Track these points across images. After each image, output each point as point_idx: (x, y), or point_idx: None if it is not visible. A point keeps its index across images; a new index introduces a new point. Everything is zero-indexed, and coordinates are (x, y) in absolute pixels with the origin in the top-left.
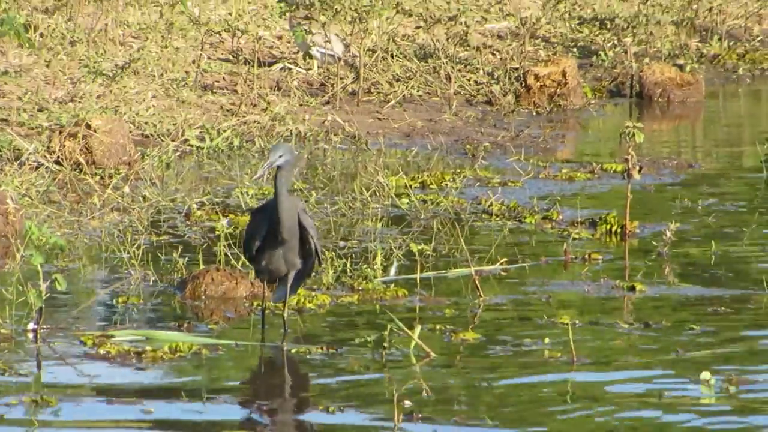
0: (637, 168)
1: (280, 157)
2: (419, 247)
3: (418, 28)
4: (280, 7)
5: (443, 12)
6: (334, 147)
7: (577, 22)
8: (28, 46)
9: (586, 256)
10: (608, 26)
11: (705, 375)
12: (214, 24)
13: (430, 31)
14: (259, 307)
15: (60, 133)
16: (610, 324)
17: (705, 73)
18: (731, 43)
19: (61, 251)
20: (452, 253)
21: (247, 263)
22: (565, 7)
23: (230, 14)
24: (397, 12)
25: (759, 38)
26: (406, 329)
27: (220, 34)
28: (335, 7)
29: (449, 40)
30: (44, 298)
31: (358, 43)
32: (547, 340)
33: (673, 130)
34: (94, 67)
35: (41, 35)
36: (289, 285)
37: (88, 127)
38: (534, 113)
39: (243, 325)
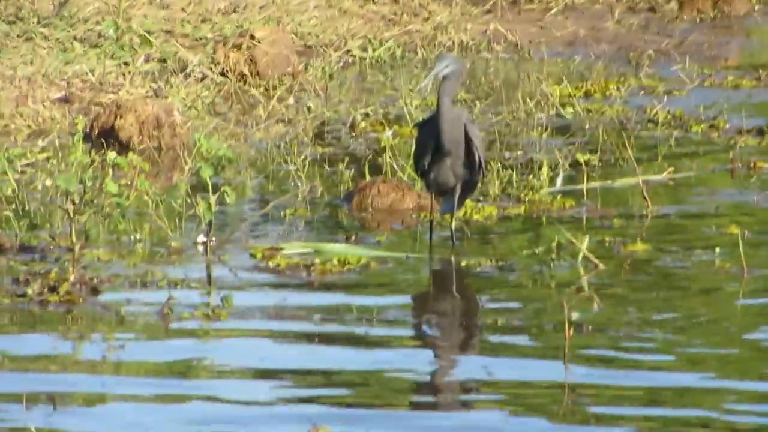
0: None
1: (446, 67)
2: (585, 157)
3: None
4: None
5: None
6: (497, 56)
7: None
8: None
9: (752, 165)
10: None
11: None
12: None
13: None
14: (427, 219)
15: (224, 44)
16: None
17: None
18: None
19: (229, 163)
20: (618, 163)
21: (416, 176)
22: None
23: None
24: None
25: None
26: (574, 240)
27: None
28: None
29: None
30: (214, 210)
31: None
32: (717, 250)
33: None
34: None
35: None
36: (456, 197)
37: (252, 38)
38: (698, 20)
39: (410, 237)
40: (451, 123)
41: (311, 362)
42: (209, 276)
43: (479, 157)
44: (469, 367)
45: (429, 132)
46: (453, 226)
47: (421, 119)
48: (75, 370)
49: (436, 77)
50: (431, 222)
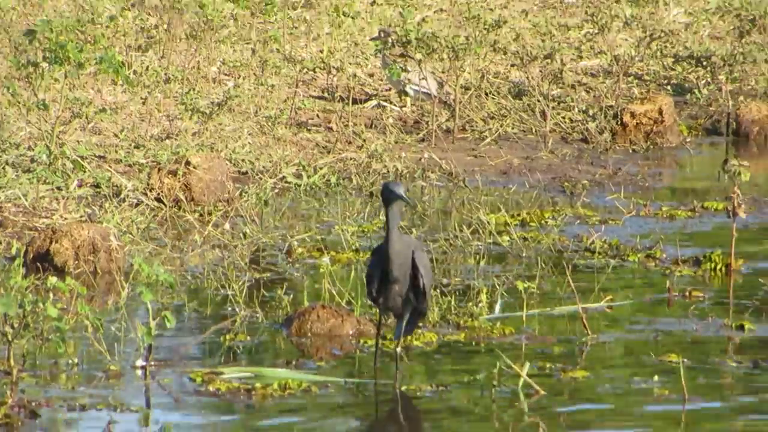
0: (742, 207)
1: (406, 192)
2: (525, 285)
3: (513, 65)
4: (376, 45)
5: (539, 50)
6: (432, 184)
7: (672, 60)
8: (127, 84)
9: (687, 294)
10: (704, 64)
11: None
12: (308, 62)
13: (524, 68)
14: (366, 344)
15: (159, 170)
16: (719, 363)
17: None
18: None
19: (170, 288)
20: (556, 291)
21: (366, 300)
22: (657, 45)
23: (321, 52)
24: (494, 50)
25: None
26: (514, 366)
27: (315, 71)
28: (432, 44)
29: (544, 77)
30: (153, 335)
31: (453, 80)
32: (656, 378)
33: None
34: (191, 105)
35: (135, 72)
36: (404, 322)
37: (188, 164)
38: (630, 151)
39: (350, 363)
40: (398, 252)
41: None
42: (148, 400)
43: (423, 284)
44: None
45: (380, 257)
46: (398, 351)
47: (375, 246)
48: None
49: (401, 199)
50: (376, 346)
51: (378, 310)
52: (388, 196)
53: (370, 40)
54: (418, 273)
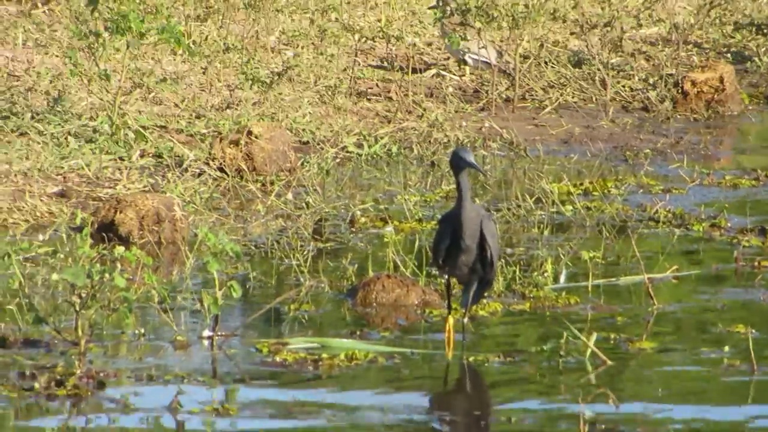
0: None
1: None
2: (590, 255)
3: (572, 33)
4: (435, 14)
5: (599, 18)
6: (493, 153)
7: (732, 27)
8: (188, 54)
9: (756, 264)
10: (765, 31)
11: None
12: (366, 30)
13: (584, 36)
14: (431, 315)
15: (221, 140)
16: None
17: None
18: None
19: (236, 258)
20: (621, 260)
21: (433, 268)
22: (716, 13)
23: (379, 21)
24: (553, 18)
25: None
26: (582, 337)
27: (374, 40)
28: (491, 13)
29: (603, 46)
30: (220, 305)
31: (513, 49)
32: (726, 348)
33: None
34: (251, 74)
35: (194, 42)
36: (471, 292)
37: (250, 134)
38: (691, 119)
39: (415, 333)
40: (470, 219)
41: None
42: (215, 370)
43: (491, 254)
44: None
45: (448, 226)
46: (465, 321)
47: (444, 213)
48: None
49: (472, 167)
50: (448, 313)
51: (444, 279)
52: (458, 163)
53: (429, 8)
54: (485, 243)
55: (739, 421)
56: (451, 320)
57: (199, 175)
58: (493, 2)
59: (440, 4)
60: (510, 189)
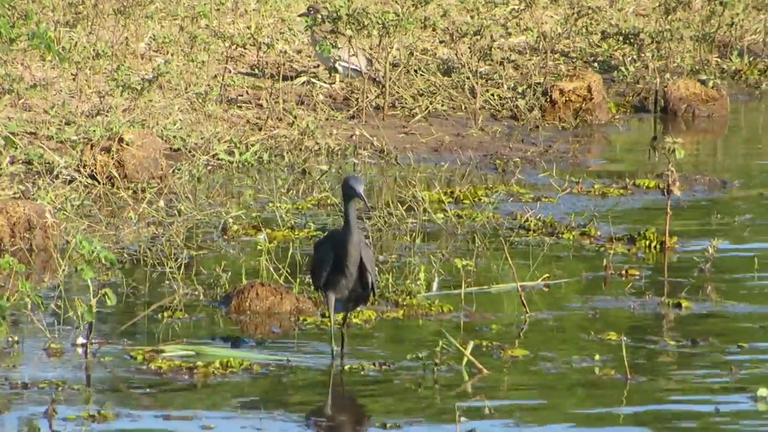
0: (676, 184)
1: (364, 189)
2: (463, 263)
3: (442, 42)
4: (305, 21)
5: (469, 26)
6: (364, 161)
7: (599, 37)
8: (59, 60)
9: (624, 272)
10: (632, 41)
11: (762, 391)
12: (237, 38)
13: (454, 45)
14: (304, 323)
15: (92, 146)
16: (657, 341)
17: (727, 89)
18: (751, 59)
19: (111, 266)
20: (493, 269)
21: (313, 289)
22: (583, 22)
23: (248, 28)
24: (424, 26)
25: None
26: (459, 345)
27: (245, 47)
28: (362, 21)
29: (473, 54)
30: (94, 312)
31: (383, 57)
32: (597, 356)
33: (701, 145)
34: (121, 81)
35: (63, 48)
36: (350, 305)
37: (121, 140)
38: (560, 128)
39: (289, 340)
40: (355, 248)
41: None
42: (89, 378)
43: (371, 279)
44: None
45: (329, 251)
46: (344, 332)
47: (320, 238)
48: None
49: (360, 198)
50: (331, 330)
51: (324, 296)
52: (348, 192)
53: (299, 16)
54: (365, 270)
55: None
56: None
57: (70, 182)
58: (364, 10)
59: (311, 12)
60: (381, 197)
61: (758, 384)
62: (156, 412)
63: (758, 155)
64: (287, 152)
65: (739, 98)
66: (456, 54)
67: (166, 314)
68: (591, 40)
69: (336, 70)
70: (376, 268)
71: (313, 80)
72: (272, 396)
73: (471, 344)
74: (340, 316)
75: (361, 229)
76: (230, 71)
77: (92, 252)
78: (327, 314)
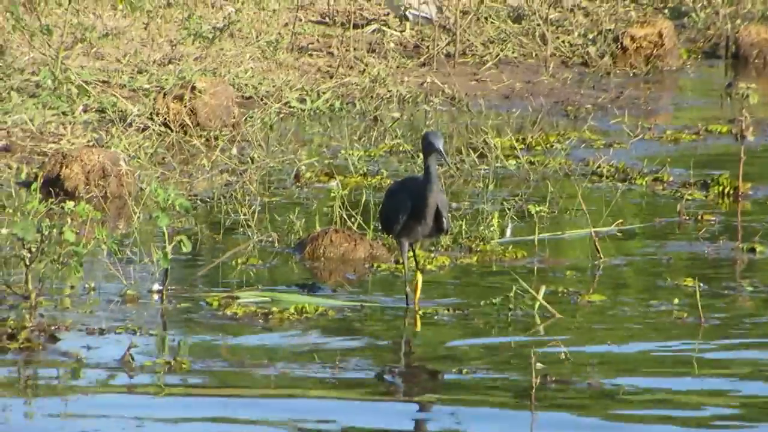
0: (750, 129)
1: (443, 143)
2: (537, 209)
3: None
4: None
5: None
6: (435, 108)
7: None
8: (131, 9)
9: (699, 217)
10: None
11: None
12: None
13: None
14: (378, 269)
15: (164, 95)
16: (733, 286)
17: None
18: None
19: (186, 213)
20: (566, 215)
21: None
22: None
23: None
24: None
25: None
26: (532, 291)
27: None
28: None
29: (543, 1)
30: (170, 259)
31: (453, 5)
32: (676, 300)
33: None
34: (193, 30)
35: None
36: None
37: (193, 89)
38: (631, 74)
39: (364, 287)
40: (434, 200)
41: (274, 412)
42: (165, 324)
43: (446, 224)
44: (437, 416)
45: (405, 199)
46: (419, 277)
47: (392, 185)
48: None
49: (439, 154)
50: (405, 277)
51: (399, 243)
52: (427, 147)
53: None
54: (442, 217)
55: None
56: (420, 277)
57: (143, 130)
58: None
59: None
60: (453, 144)
61: None
62: (231, 360)
63: None
64: (358, 100)
65: None
66: (526, 1)
67: (240, 261)
68: None
69: (406, 18)
70: (449, 214)
71: (384, 28)
72: (348, 342)
73: (543, 289)
74: (412, 263)
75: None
76: (300, 19)
77: (167, 199)
78: (401, 260)
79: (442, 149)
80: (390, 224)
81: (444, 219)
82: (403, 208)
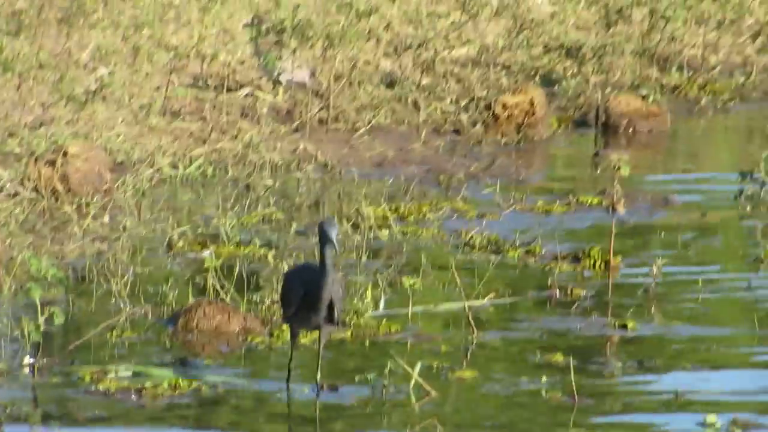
0: (622, 201)
1: (338, 233)
2: (411, 281)
3: (385, 54)
4: (250, 32)
5: (413, 38)
6: (308, 176)
7: (542, 50)
8: (2, 70)
9: (569, 291)
10: (575, 55)
11: (711, 418)
12: (181, 48)
13: (397, 57)
14: (252, 342)
15: (36, 160)
16: (604, 362)
17: (667, 104)
18: (690, 74)
19: (60, 284)
20: (438, 287)
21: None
22: (525, 35)
23: (191, 38)
24: (368, 38)
25: (717, 68)
26: (407, 367)
27: (188, 58)
28: (307, 32)
29: (416, 66)
30: (41, 331)
31: (327, 70)
32: (544, 379)
33: (642, 161)
34: (66, 92)
35: (6, 58)
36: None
37: (65, 153)
38: (502, 143)
39: (237, 360)
40: (328, 291)
41: None
42: (36, 399)
43: (337, 316)
44: None
45: (299, 288)
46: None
47: (290, 269)
48: None
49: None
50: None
51: (290, 326)
52: (323, 238)
53: (243, 26)
54: (334, 307)
55: None
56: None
57: (14, 196)
58: (309, 22)
59: (255, 22)
60: (326, 212)
61: (705, 408)
62: None
63: (699, 170)
64: (231, 166)
65: (679, 114)
66: (399, 66)
67: (114, 333)
68: (532, 54)
69: (279, 83)
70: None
71: (257, 92)
72: (222, 419)
73: (419, 365)
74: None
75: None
76: (173, 83)
77: (41, 269)
78: (290, 345)
79: (335, 240)
80: (283, 308)
81: (336, 312)
82: (295, 297)
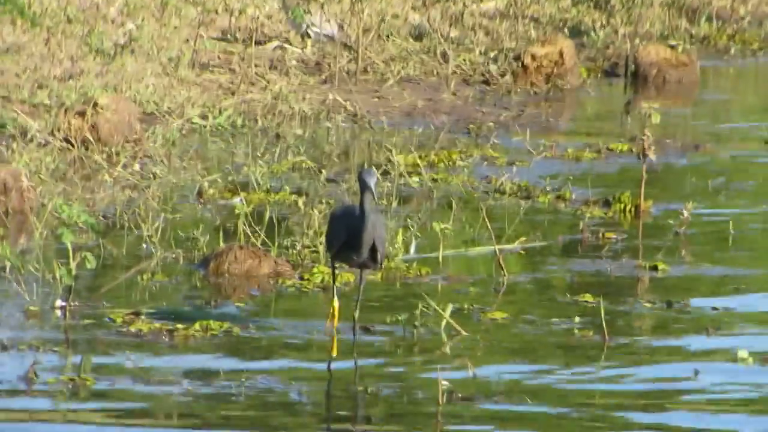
0: (652, 148)
1: (376, 181)
2: (441, 226)
3: (413, 8)
4: None
5: None
6: (337, 125)
7: (571, 2)
8: (31, 24)
9: (601, 235)
10: (604, 6)
11: (742, 353)
12: (210, 3)
13: (425, 11)
14: (283, 285)
15: (66, 111)
16: (634, 303)
17: (696, 54)
18: (719, 24)
19: (91, 229)
20: (469, 232)
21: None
22: None
23: None
24: None
25: (746, 18)
26: (438, 308)
27: (216, 13)
28: None
29: (444, 19)
30: (73, 275)
31: (355, 23)
32: (577, 319)
33: (672, 109)
34: (95, 45)
35: (35, 13)
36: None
37: (95, 104)
38: (532, 93)
39: (268, 303)
40: (369, 234)
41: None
42: (68, 341)
43: (380, 257)
44: None
45: (342, 226)
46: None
47: (337, 208)
48: None
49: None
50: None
51: (331, 262)
52: (361, 186)
53: None
54: (377, 248)
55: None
56: (336, 305)
57: (44, 145)
58: None
59: None
60: (356, 161)
61: (735, 346)
62: (135, 376)
63: (728, 119)
64: (261, 116)
65: (708, 63)
66: (427, 19)
67: (145, 276)
68: (560, 5)
69: (308, 36)
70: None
71: (285, 45)
72: (253, 359)
73: (450, 306)
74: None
75: (377, 209)
76: (202, 36)
77: (72, 216)
78: (330, 280)
79: (374, 188)
80: (328, 246)
81: (378, 254)
82: (340, 237)
